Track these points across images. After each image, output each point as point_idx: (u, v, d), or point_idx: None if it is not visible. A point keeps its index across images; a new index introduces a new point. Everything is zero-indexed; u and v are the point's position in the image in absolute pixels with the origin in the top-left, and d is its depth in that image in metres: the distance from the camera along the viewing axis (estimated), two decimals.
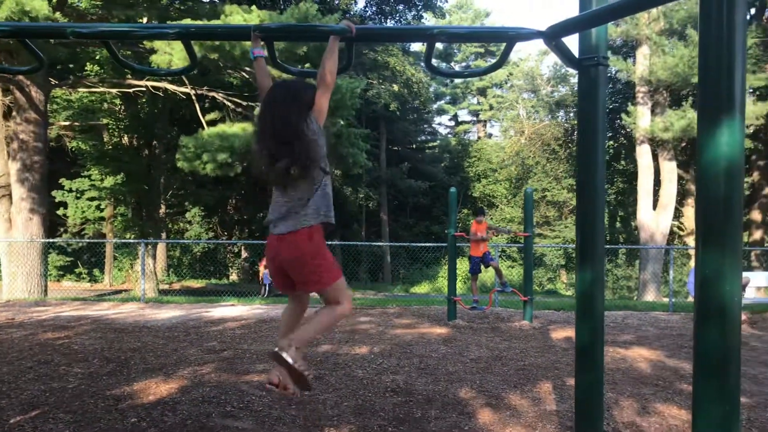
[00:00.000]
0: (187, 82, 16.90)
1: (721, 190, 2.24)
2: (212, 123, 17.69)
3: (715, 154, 2.24)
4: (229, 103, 17.59)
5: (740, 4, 2.23)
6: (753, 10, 27.95)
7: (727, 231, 2.24)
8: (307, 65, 16.63)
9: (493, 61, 3.45)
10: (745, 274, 11.87)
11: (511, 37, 2.91)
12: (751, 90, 25.90)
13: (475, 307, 10.83)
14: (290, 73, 3.74)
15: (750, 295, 12.55)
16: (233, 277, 34.74)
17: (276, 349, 2.93)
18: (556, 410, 5.15)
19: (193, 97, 17.06)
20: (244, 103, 17.50)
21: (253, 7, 14.29)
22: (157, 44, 13.79)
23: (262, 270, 22.99)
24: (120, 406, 5.03)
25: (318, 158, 2.90)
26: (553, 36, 3.05)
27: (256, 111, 16.03)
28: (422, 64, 32.74)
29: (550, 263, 35.68)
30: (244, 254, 34.25)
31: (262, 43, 3.34)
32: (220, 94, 17.63)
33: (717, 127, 2.23)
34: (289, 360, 2.84)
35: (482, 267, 11.14)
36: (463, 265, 22.70)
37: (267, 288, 22.18)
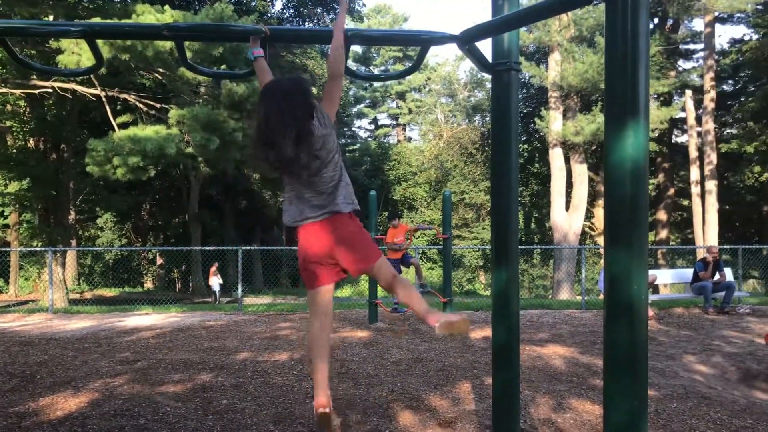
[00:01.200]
0: (96, 83, 16.27)
1: (628, 190, 2.31)
2: (124, 126, 17.10)
3: (622, 156, 2.31)
4: (141, 105, 17.05)
5: (643, 14, 2.31)
6: (656, 20, 29.40)
7: (633, 230, 2.32)
8: (222, 66, 16.34)
9: (410, 65, 3.46)
10: (651, 271, 12.42)
11: (424, 40, 2.93)
12: (655, 95, 27.21)
13: (396, 309, 10.88)
14: (203, 74, 3.63)
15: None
16: (148, 284, 33.69)
17: (321, 410, 2.98)
18: (475, 409, 5.22)
19: (104, 99, 16.43)
20: (158, 105, 17.00)
21: (166, 7, 13.92)
22: (65, 44, 13.23)
23: (212, 277, 22.45)
24: (24, 424, 4.76)
25: (334, 150, 2.89)
26: (466, 40, 3.09)
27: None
28: None
29: (469, 264, 36.32)
30: (159, 261, 33.26)
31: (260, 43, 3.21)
32: (132, 96, 17.08)
33: (623, 130, 2.30)
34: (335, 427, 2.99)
35: (402, 268, 11.19)
36: None
37: (217, 295, 21.67)
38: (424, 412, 5.15)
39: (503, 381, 3.58)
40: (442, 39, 2.90)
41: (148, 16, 13.06)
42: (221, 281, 22.58)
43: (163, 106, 16.99)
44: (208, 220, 30.44)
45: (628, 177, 2.30)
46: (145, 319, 11.50)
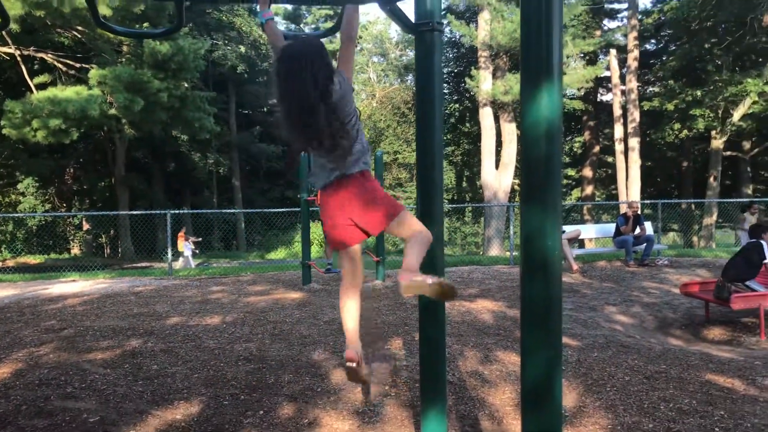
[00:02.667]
0: (9, 41, 15.46)
1: (542, 150, 2.38)
2: (42, 86, 16.36)
3: (537, 117, 2.38)
4: (60, 65, 16.36)
5: None
6: None
7: (547, 189, 2.40)
8: (145, 24, 15.77)
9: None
10: (576, 226, 12.84)
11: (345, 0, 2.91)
12: (581, 54, 27.73)
13: (329, 269, 10.93)
14: (118, 34, 3.51)
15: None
16: (75, 250, 32.67)
17: (349, 364, 3.02)
18: (406, 365, 5.36)
19: (18, 58, 15.65)
20: (78, 65, 16.34)
21: None
22: None
23: (181, 242, 21.76)
24: None
25: (351, 114, 2.85)
26: (388, 0, 3.08)
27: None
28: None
29: None
30: (85, 226, 32.26)
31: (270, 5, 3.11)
32: (50, 55, 16.34)
33: (538, 91, 2.36)
34: (366, 377, 3.04)
35: None
36: (317, 229, 22.74)
37: (190, 260, 21.06)
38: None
39: (430, 336, 3.67)
40: None
41: None
42: (193, 246, 21.80)
43: (84, 65, 16.34)
44: (136, 183, 29.61)
45: (543, 137, 2.37)
46: (71, 286, 11.20)
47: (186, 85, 17.79)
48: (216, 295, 9.39)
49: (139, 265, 21.98)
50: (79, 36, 15.83)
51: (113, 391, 4.73)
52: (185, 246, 21.22)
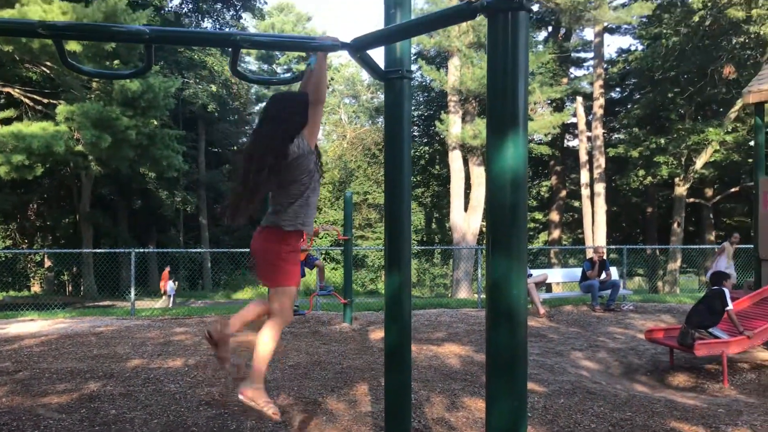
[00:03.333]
0: None
1: (508, 199, 2.40)
2: (7, 121, 16.13)
3: (502, 166, 2.40)
4: (27, 100, 16.18)
5: (522, 31, 2.40)
6: (550, 29, 30.64)
7: (513, 237, 2.41)
8: (116, 62, 15.74)
9: None
10: (543, 271, 12.93)
11: (314, 47, 2.93)
12: (549, 101, 28.37)
13: (296, 311, 10.81)
14: (85, 74, 3.49)
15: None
16: (35, 288, 31.89)
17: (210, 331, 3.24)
18: (371, 411, 5.28)
19: None
20: (45, 101, 16.17)
21: None
22: None
23: (165, 281, 21.50)
24: None
25: (305, 173, 3.05)
26: (357, 48, 3.12)
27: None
28: (240, 63, 32.11)
29: (372, 264, 36.57)
30: (47, 263, 31.55)
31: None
32: (17, 90, 16.16)
33: (503, 140, 2.39)
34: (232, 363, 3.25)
35: (306, 270, 11.14)
36: None
37: (172, 299, 20.73)
38: (320, 415, 5.15)
39: (395, 382, 3.64)
40: (332, 47, 2.91)
41: (33, 6, 12.39)
42: (174, 285, 21.80)
43: (51, 101, 16.18)
44: (101, 220, 29.12)
45: (509, 186, 2.39)
46: (29, 325, 10.89)
47: (155, 122, 17.71)
48: (179, 337, 9.19)
49: (101, 303, 21.51)
50: (48, 71, 15.72)
51: None
52: (169, 285, 20.97)
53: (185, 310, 14.09)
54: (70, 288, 31.78)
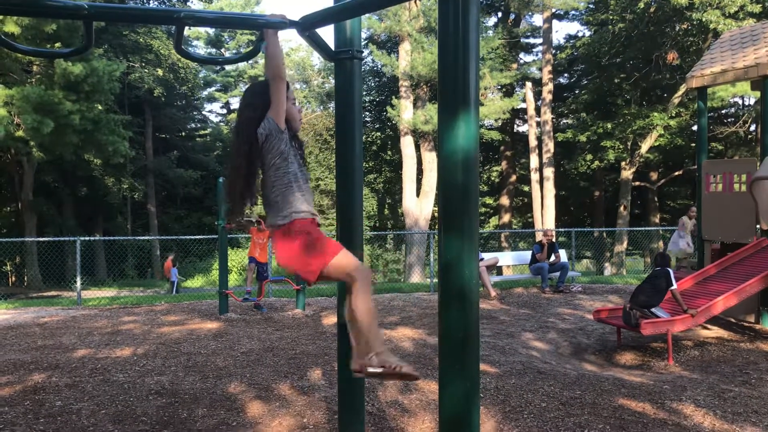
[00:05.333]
0: None
1: (459, 179, 2.39)
2: None
3: (453, 147, 2.38)
4: None
5: (473, 10, 2.38)
6: (499, 14, 30.83)
7: (464, 218, 2.40)
8: (57, 44, 15.22)
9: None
10: (493, 254, 13.07)
11: (261, 24, 2.85)
12: (499, 87, 28.59)
13: (247, 299, 10.69)
14: (18, 51, 3.34)
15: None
16: None
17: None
18: (325, 396, 5.26)
19: None
20: None
21: None
22: None
23: (168, 267, 20.98)
24: None
25: (274, 157, 2.87)
26: (306, 26, 3.05)
27: None
28: (188, 48, 31.42)
29: None
30: None
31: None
32: None
33: (454, 121, 2.38)
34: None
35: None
36: (236, 256, 22.30)
37: (175, 285, 20.25)
38: (273, 401, 5.11)
39: (348, 366, 3.61)
40: (280, 24, 2.84)
41: None
42: (176, 272, 21.41)
43: None
44: (45, 208, 28.25)
45: (460, 167, 2.38)
46: None
47: (100, 107, 17.22)
48: (127, 326, 9.00)
49: (46, 294, 20.93)
50: None
51: (11, 431, 4.42)
52: (172, 272, 20.60)
53: (133, 298, 13.80)
54: (13, 278, 30.79)
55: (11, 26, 12.84)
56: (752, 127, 27.25)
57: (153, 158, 34.20)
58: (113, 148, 18.31)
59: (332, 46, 3.48)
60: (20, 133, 14.91)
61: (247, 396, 5.26)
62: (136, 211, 35.83)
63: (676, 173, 29.39)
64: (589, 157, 27.17)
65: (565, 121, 33.44)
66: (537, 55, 32.92)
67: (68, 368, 6.28)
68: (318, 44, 3.28)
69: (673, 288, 7.68)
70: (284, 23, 2.87)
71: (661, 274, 7.84)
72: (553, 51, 28.61)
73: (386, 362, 2.65)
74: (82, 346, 7.51)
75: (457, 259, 2.39)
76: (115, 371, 6.15)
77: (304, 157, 3.20)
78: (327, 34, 3.27)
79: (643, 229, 25.80)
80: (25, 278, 27.45)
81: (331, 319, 9.38)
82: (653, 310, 7.67)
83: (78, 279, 12.56)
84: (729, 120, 29.58)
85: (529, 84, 28.75)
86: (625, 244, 27.81)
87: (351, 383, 3.58)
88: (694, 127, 21.54)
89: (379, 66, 31.02)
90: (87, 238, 15.34)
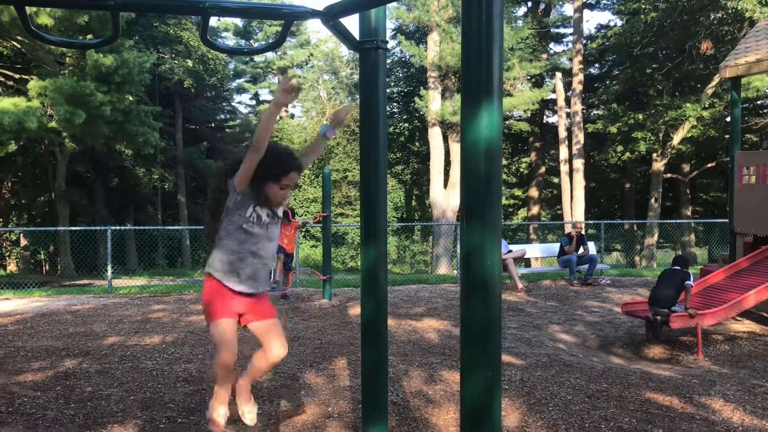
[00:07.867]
0: None
1: (482, 169, 2.37)
2: None
3: (476, 137, 2.36)
4: None
5: None
6: (529, 4, 30.51)
7: (487, 208, 2.38)
8: (89, 36, 15.42)
9: (278, 40, 3.37)
10: (521, 246, 12.99)
11: (286, 15, 2.86)
12: (528, 77, 28.31)
13: (274, 288, 10.77)
14: (48, 42, 3.38)
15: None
16: (11, 267, 31.49)
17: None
18: (349, 385, 5.28)
19: None
20: (17, 76, 15.82)
21: None
22: None
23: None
24: None
25: (226, 213, 3.23)
26: (330, 16, 3.05)
27: (29, 84, 14.59)
28: (216, 39, 31.65)
29: (351, 241, 36.55)
30: (23, 242, 31.15)
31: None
32: None
33: (477, 111, 2.35)
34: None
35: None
36: None
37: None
38: (298, 390, 5.15)
39: (372, 356, 3.63)
40: (304, 14, 2.85)
41: None
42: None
43: (23, 76, 15.84)
44: (77, 198, 28.74)
45: (483, 157, 2.36)
46: (5, 304, 10.76)
47: (131, 98, 17.43)
48: (157, 314, 9.14)
49: (78, 282, 21.31)
50: (19, 46, 15.36)
51: (43, 415, 4.52)
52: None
53: (163, 287, 13.99)
54: (47, 267, 31.43)
55: (44, 18, 13.03)
56: None
57: (183, 149, 34.55)
58: (144, 138, 18.54)
59: (357, 36, 3.48)
60: (53, 124, 15.16)
61: (273, 384, 5.31)
62: (167, 202, 36.27)
63: (709, 165, 28.84)
64: (619, 148, 26.78)
65: (595, 112, 33.01)
66: (567, 45, 32.55)
67: (98, 355, 6.39)
68: (342, 34, 3.28)
69: (687, 282, 7.47)
70: (308, 13, 2.88)
71: (681, 272, 7.68)
72: (584, 41, 28.21)
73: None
74: (112, 333, 7.63)
75: (480, 249, 2.37)
76: (143, 358, 6.25)
77: (270, 225, 3.28)
78: (352, 24, 3.27)
79: (674, 221, 25.41)
80: (59, 267, 27.98)
81: (356, 310, 9.41)
82: (673, 308, 7.53)
83: (109, 268, 12.77)
84: (764, 111, 28.91)
85: (559, 74, 28.41)
86: (656, 237, 27.44)
87: (375, 373, 3.60)
88: (728, 119, 21.10)
89: (408, 56, 30.89)
90: (118, 228, 15.58)
